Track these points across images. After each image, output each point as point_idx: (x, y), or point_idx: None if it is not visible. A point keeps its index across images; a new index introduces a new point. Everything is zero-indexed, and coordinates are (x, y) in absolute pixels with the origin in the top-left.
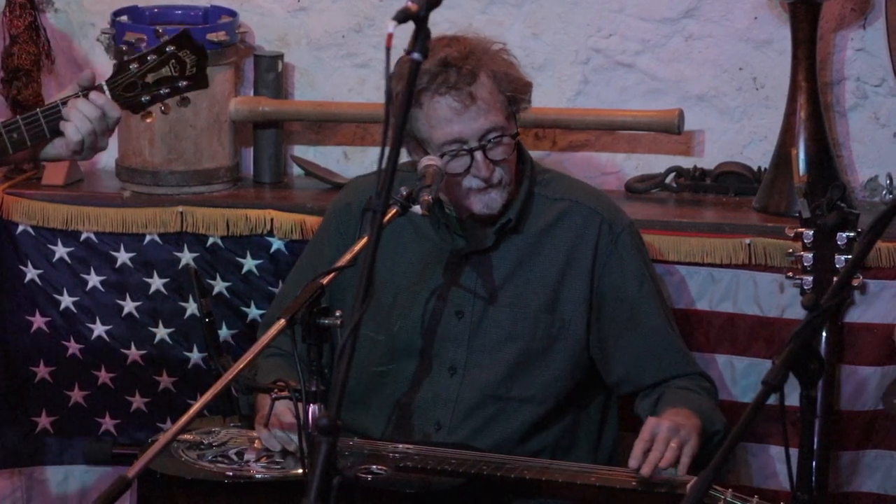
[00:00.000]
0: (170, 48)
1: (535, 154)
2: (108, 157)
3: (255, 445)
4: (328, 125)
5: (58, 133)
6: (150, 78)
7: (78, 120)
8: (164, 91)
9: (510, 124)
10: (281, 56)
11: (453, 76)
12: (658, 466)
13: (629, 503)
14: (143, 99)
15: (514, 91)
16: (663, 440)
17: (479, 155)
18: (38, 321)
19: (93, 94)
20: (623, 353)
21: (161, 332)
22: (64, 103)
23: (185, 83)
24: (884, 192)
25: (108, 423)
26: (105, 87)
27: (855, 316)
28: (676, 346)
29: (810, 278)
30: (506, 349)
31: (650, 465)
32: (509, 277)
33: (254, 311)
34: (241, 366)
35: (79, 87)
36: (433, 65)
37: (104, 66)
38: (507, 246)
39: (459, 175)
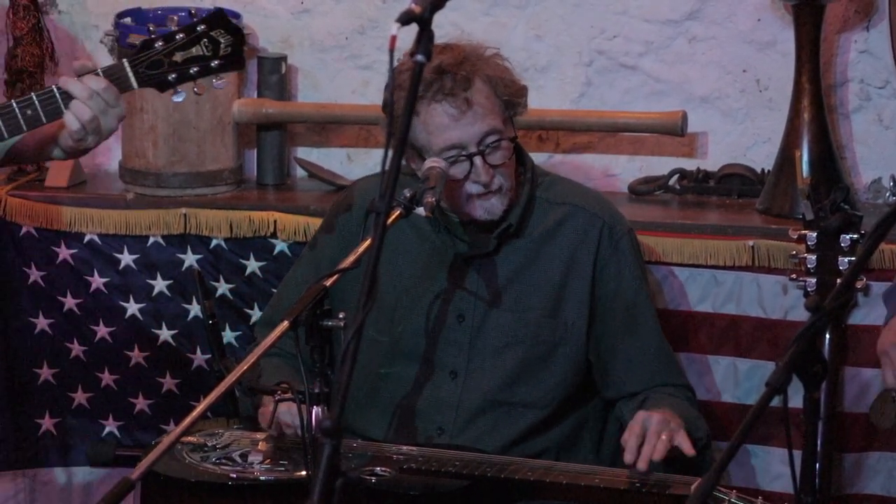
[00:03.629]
0: (201, 27)
1: (538, 156)
2: (111, 159)
3: (259, 447)
4: (331, 127)
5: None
6: (178, 57)
7: (79, 106)
8: (193, 70)
9: (508, 128)
10: (284, 58)
11: (449, 83)
12: (652, 459)
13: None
14: (169, 77)
15: (510, 95)
16: (654, 433)
17: (478, 160)
18: (42, 323)
19: (85, 77)
20: (618, 356)
21: (164, 334)
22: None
23: (218, 62)
24: (887, 194)
25: (111, 425)
26: (127, 66)
27: (858, 318)
28: (668, 354)
29: (814, 280)
30: (508, 354)
31: (644, 461)
32: (511, 282)
33: (257, 314)
34: (245, 368)
35: (75, 74)
36: (428, 73)
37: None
38: (508, 250)
39: (460, 181)
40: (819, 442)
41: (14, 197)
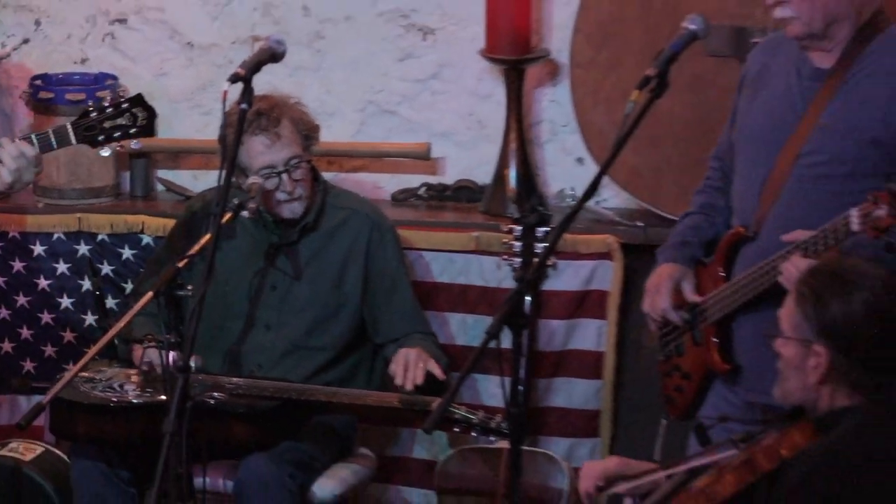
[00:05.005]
0: (125, 105)
1: (327, 174)
2: None
3: (132, 380)
4: (182, 156)
5: None
6: (107, 124)
7: (9, 163)
8: (117, 135)
9: (306, 154)
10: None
11: (264, 122)
12: (414, 382)
13: (394, 417)
14: (98, 138)
15: (308, 131)
16: (414, 363)
17: (285, 176)
18: None
19: (22, 146)
20: (384, 312)
21: (65, 302)
22: None
23: (135, 130)
24: (568, 199)
25: (29, 366)
26: (69, 129)
27: (548, 286)
28: (419, 311)
29: (519, 260)
30: (306, 312)
31: (410, 381)
32: (308, 262)
33: (130, 287)
34: (121, 325)
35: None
36: (249, 115)
37: (27, 116)
38: (306, 240)
39: (272, 191)
40: (522, 371)
41: None
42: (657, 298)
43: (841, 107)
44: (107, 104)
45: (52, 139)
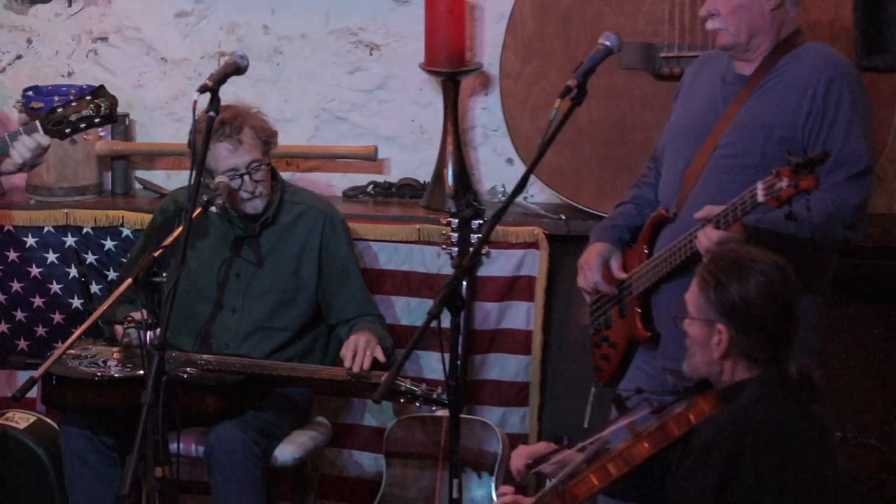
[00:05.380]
0: (88, 97)
1: (285, 174)
2: (22, 180)
3: (114, 357)
4: (157, 157)
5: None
6: (73, 116)
7: (22, 149)
8: (82, 125)
9: (265, 157)
10: (128, 115)
11: (228, 129)
12: (362, 366)
13: (346, 389)
14: (66, 130)
15: (267, 137)
16: (362, 349)
17: (247, 178)
18: None
19: (35, 135)
20: (337, 296)
21: (55, 287)
22: (13, 137)
23: (99, 119)
24: (499, 196)
25: (22, 344)
26: (38, 125)
27: (483, 271)
28: (367, 295)
29: (456, 249)
30: (267, 297)
31: (358, 365)
32: (269, 252)
33: (112, 274)
34: (105, 307)
35: (21, 127)
36: (216, 123)
37: (20, 122)
38: (267, 233)
39: (237, 190)
40: (460, 348)
41: None
42: (589, 273)
43: (754, 106)
44: (70, 98)
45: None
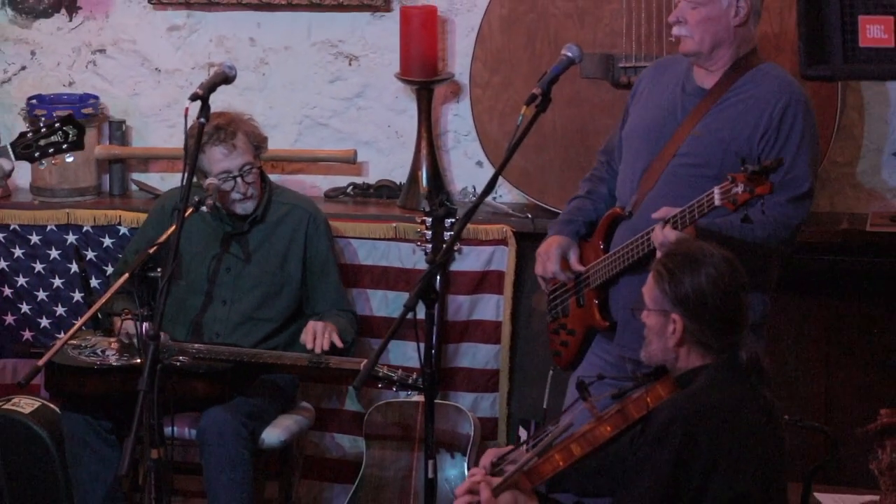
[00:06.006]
0: (57, 124)
1: (273, 176)
2: (26, 182)
3: (113, 346)
4: (152, 161)
5: None
6: (42, 142)
7: None
8: (50, 151)
9: (256, 161)
10: (124, 121)
11: (222, 134)
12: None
13: (325, 374)
14: (35, 154)
15: (258, 142)
16: (320, 332)
17: (238, 179)
18: None
19: (2, 160)
20: (316, 291)
21: (57, 282)
22: None
23: (66, 146)
24: (470, 196)
25: (28, 335)
26: (9, 149)
27: (455, 266)
28: (342, 291)
29: (430, 246)
30: (255, 290)
31: (319, 346)
32: (257, 249)
33: (110, 269)
34: (103, 300)
35: None
36: (209, 128)
37: (22, 127)
38: (255, 230)
39: (228, 191)
40: (434, 338)
41: None
42: (548, 263)
43: (713, 122)
44: (41, 125)
45: None
